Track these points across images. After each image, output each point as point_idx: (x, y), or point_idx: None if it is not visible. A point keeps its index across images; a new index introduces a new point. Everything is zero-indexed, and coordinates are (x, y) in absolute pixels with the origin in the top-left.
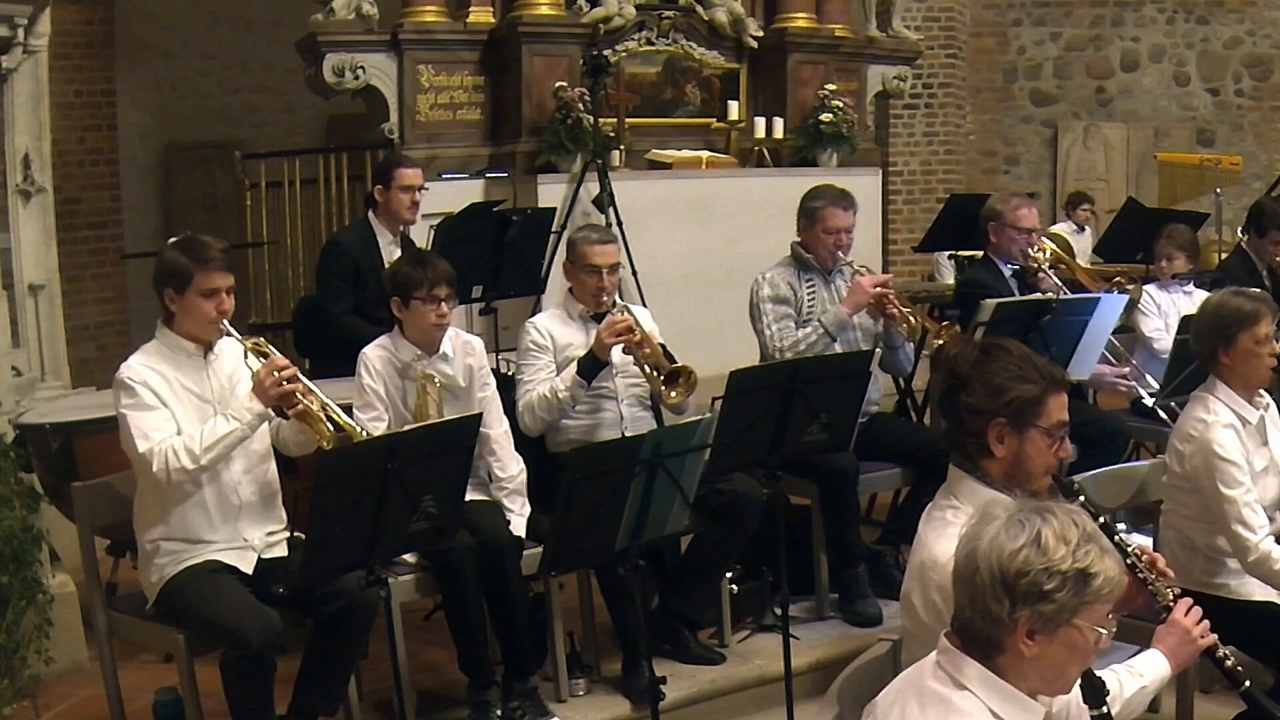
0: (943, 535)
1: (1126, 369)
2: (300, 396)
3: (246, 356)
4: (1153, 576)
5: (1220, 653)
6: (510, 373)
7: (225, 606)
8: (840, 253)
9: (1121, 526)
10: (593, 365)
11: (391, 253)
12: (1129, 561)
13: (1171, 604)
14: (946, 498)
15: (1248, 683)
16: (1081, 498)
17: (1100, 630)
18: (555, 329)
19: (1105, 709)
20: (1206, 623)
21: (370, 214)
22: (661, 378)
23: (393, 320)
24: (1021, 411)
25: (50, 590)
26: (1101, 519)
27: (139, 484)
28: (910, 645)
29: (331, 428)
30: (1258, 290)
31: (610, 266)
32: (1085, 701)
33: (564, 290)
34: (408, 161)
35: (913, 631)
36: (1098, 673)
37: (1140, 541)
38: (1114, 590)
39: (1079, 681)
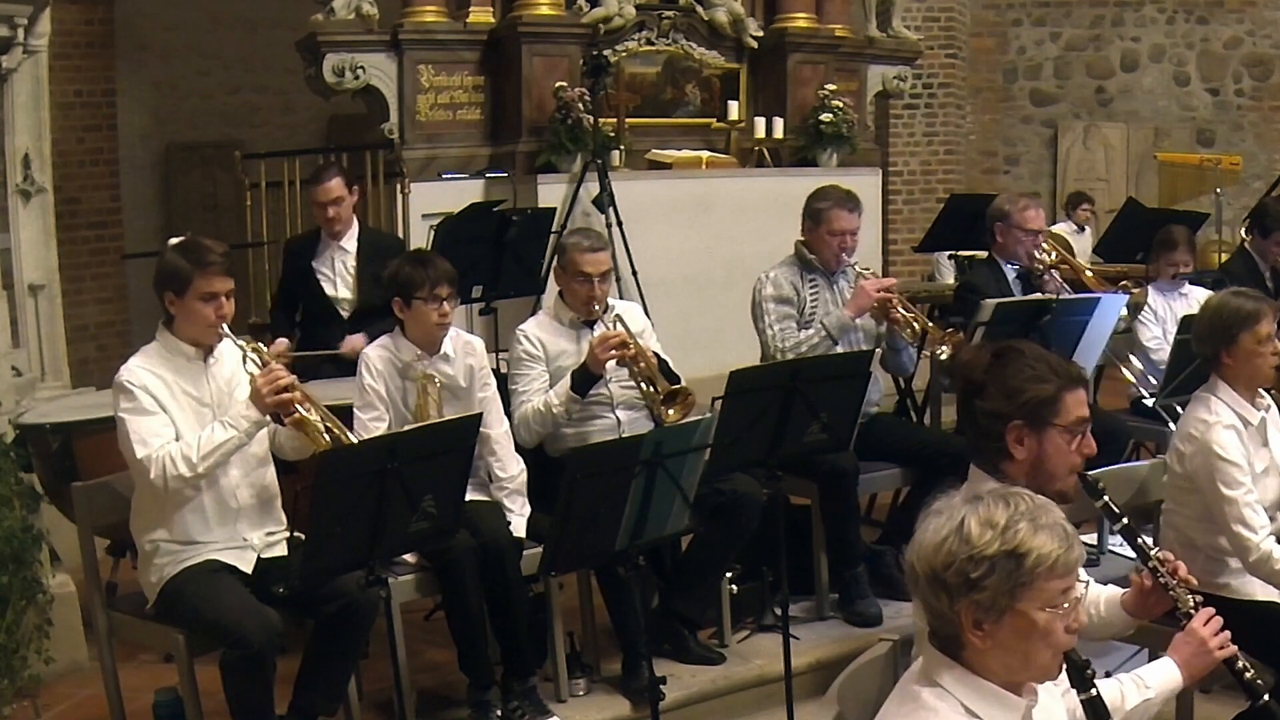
0: None
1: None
2: (297, 405)
3: (246, 361)
4: (1174, 583)
5: (1240, 664)
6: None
7: (225, 606)
8: (844, 254)
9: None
10: (586, 379)
11: (336, 258)
12: (1150, 565)
13: (1192, 611)
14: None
15: (1265, 696)
16: (1105, 498)
17: (1051, 610)
18: (546, 337)
19: (1094, 692)
20: (1226, 634)
21: None
22: (660, 397)
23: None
24: (1038, 411)
25: (50, 590)
26: (1124, 520)
27: (137, 487)
28: (921, 644)
29: (328, 438)
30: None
31: (601, 275)
32: (1072, 685)
33: (555, 294)
34: (324, 175)
35: (924, 629)
36: (1105, 681)
37: None
38: (1056, 566)
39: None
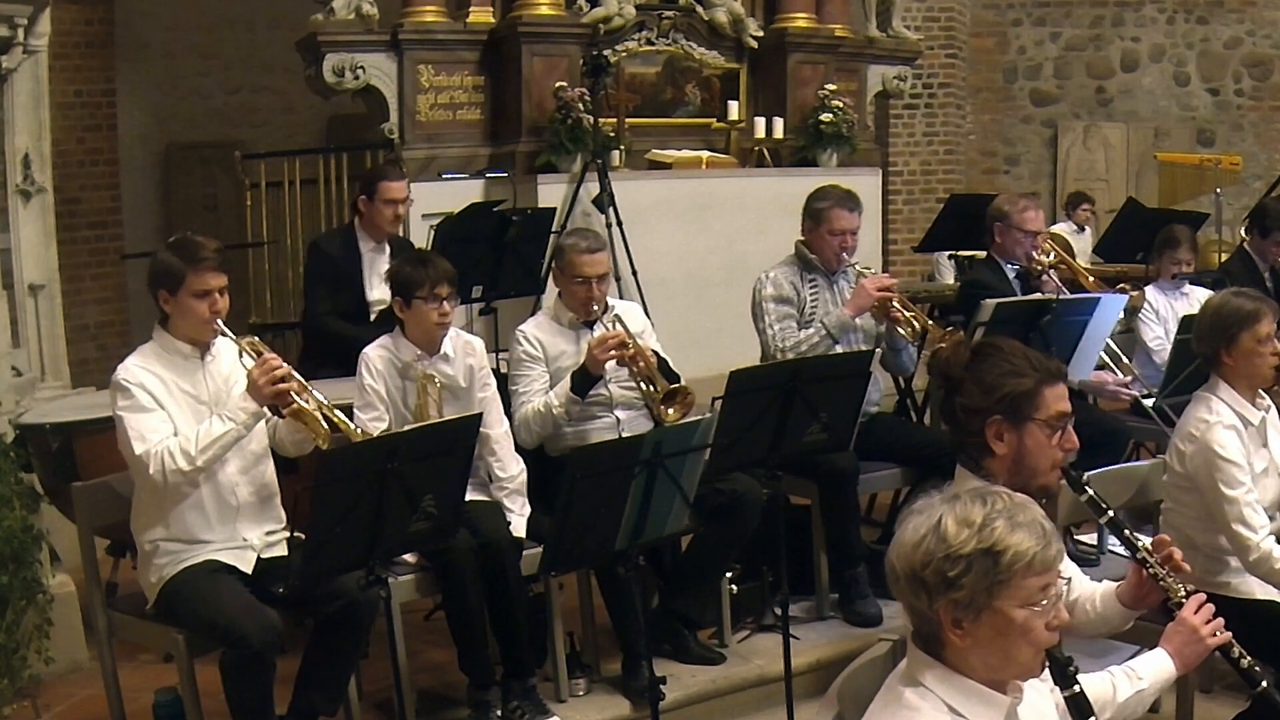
0: None
1: (1129, 378)
2: (295, 395)
3: (242, 356)
4: (1164, 572)
5: (1235, 651)
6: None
7: (225, 606)
8: (845, 254)
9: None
10: (586, 380)
11: (374, 259)
12: (1139, 557)
13: (1183, 600)
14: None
15: (1264, 683)
16: (1090, 491)
17: (1030, 607)
18: (545, 338)
19: (1077, 689)
20: (1219, 621)
21: (356, 220)
22: (659, 396)
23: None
24: (1016, 406)
25: (50, 590)
26: (1110, 513)
27: (136, 485)
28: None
29: (328, 426)
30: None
31: (599, 276)
32: (1055, 683)
33: (554, 294)
34: (393, 174)
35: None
36: (1096, 674)
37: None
38: (1034, 564)
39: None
